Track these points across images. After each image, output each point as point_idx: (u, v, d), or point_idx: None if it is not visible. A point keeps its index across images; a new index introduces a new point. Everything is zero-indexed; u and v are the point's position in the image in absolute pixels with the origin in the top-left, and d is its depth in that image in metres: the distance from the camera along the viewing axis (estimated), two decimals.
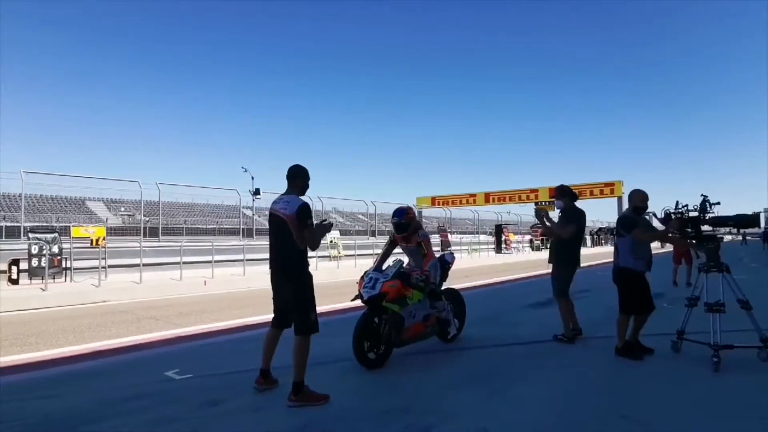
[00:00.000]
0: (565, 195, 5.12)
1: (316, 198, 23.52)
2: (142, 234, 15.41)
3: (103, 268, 11.09)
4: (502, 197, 40.97)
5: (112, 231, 20.88)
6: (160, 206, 16.62)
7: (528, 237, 37.59)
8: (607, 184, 45.47)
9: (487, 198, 40.92)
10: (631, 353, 4.41)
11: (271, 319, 3.64)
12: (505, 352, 4.88)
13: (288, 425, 3.00)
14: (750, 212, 4.33)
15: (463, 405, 3.33)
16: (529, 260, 26.05)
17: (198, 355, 5.15)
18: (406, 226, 4.69)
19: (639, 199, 4.49)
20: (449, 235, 27.62)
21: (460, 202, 43.96)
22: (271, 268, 3.53)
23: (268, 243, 3.64)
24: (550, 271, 5.31)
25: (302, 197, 3.48)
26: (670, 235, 4.50)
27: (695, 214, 4.23)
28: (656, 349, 4.56)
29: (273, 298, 3.60)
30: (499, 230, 32.72)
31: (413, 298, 4.37)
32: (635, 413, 3.11)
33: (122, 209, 34.71)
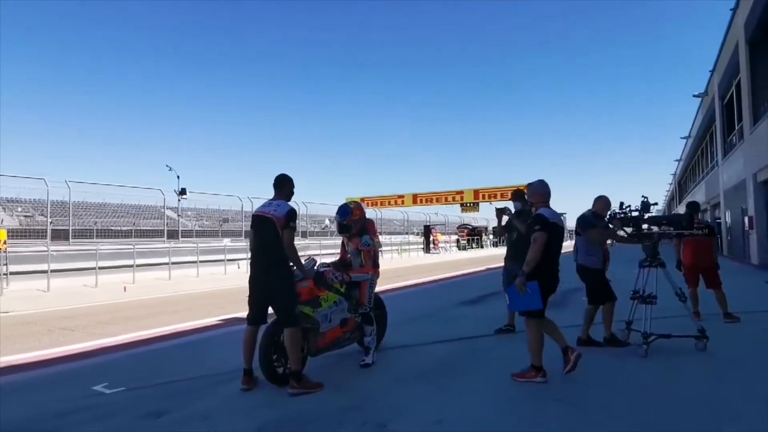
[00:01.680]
0: (521, 198, 5.57)
1: (246, 199, 22.74)
2: (48, 237, 13.95)
3: (4, 275, 9.92)
4: (429, 198, 42.26)
5: (9, 234, 18.68)
6: (70, 206, 15.13)
7: (455, 237, 39.09)
8: (518, 188, 48.70)
9: (415, 199, 41.97)
10: (593, 343, 4.77)
11: (246, 317, 3.84)
12: (447, 348, 5.08)
13: (242, 429, 2.94)
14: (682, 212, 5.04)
15: (416, 400, 3.45)
16: (457, 259, 27.07)
17: (127, 367, 4.77)
18: (348, 227, 4.49)
19: (602, 206, 4.95)
20: (380, 235, 27.89)
21: (389, 203, 44.63)
22: (254, 267, 3.85)
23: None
24: (497, 266, 5.75)
25: (289, 203, 3.84)
26: (620, 233, 4.93)
27: (636, 213, 4.70)
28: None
29: (251, 296, 3.82)
30: (427, 231, 33.69)
31: (328, 300, 4.05)
32: (570, 397, 3.42)
33: (19, 209, 31.11)
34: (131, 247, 13.78)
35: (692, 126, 32.25)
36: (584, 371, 4.02)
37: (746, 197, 15.87)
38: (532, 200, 4.08)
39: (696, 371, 4.04)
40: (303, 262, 3.91)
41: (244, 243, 19.42)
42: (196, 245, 15.95)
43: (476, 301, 8.65)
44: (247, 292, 3.86)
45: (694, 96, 26.11)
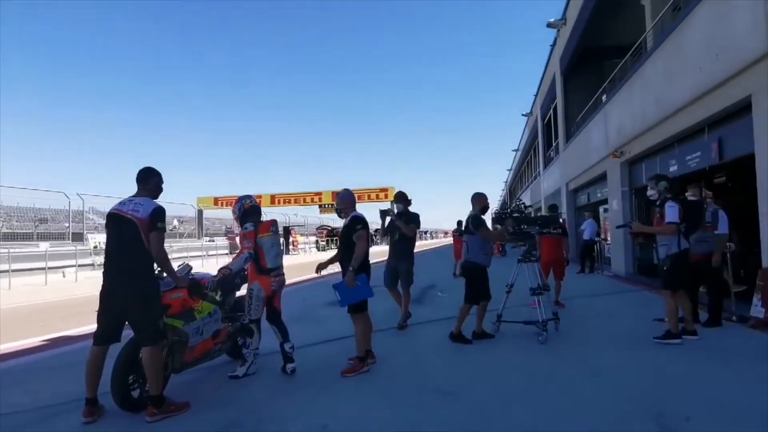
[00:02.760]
0: (403, 200, 5.85)
1: (75, 195, 19.53)
2: None
3: None
4: (287, 199, 41.66)
5: None
6: None
7: (314, 238, 39.00)
8: (381, 189, 50.98)
9: (273, 200, 40.96)
10: (463, 339, 5.03)
11: (93, 335, 3.23)
12: (321, 350, 5.03)
13: None
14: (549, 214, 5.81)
15: (298, 406, 3.35)
16: (318, 260, 26.87)
17: None
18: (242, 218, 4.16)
19: (484, 200, 5.27)
20: (237, 238, 26.47)
21: None
22: (108, 276, 3.20)
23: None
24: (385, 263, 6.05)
25: (156, 200, 3.30)
26: (510, 230, 5.35)
27: (516, 215, 5.27)
28: (432, 334, 5.44)
29: (101, 311, 3.19)
30: (287, 232, 32.97)
31: (203, 310, 3.70)
32: (445, 386, 3.67)
33: None
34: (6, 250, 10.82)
35: (521, 140, 37.49)
36: (461, 362, 4.37)
37: (561, 202, 18.97)
38: (340, 207, 4.33)
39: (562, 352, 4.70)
40: (176, 268, 3.49)
41: (72, 247, 16.66)
42: (7, 251, 13.16)
43: None
44: (93, 306, 3.27)
45: (523, 115, 30.43)
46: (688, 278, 4.88)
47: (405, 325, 5.90)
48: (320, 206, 43.82)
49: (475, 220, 5.08)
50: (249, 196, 4.34)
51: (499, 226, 5.71)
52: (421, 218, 6.00)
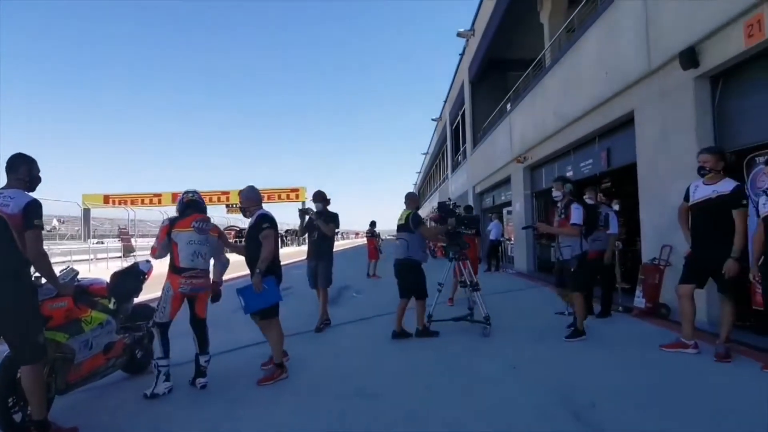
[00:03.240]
0: (323, 199, 5.77)
1: None
2: None
3: None
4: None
5: None
6: None
7: None
8: (293, 190, 49.87)
9: (175, 198, 38.20)
10: (405, 334, 5.14)
11: None
12: (233, 358, 4.71)
13: None
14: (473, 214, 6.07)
15: (212, 418, 3.09)
16: None
17: None
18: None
19: (418, 200, 5.55)
20: (132, 239, 24.25)
21: (143, 202, 39.45)
22: None
23: None
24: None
25: (31, 193, 2.79)
26: (449, 230, 5.54)
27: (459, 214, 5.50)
28: (350, 335, 5.40)
29: None
30: None
31: (92, 321, 3.28)
32: (368, 389, 3.60)
33: None
34: None
35: (430, 144, 38.88)
36: (382, 363, 4.32)
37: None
38: (245, 205, 4.07)
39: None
40: (58, 273, 3.02)
41: None
42: None
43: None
44: None
45: (432, 120, 31.57)
46: (593, 277, 5.38)
47: (322, 327, 5.76)
48: (227, 206, 41.75)
49: (416, 218, 5.18)
50: (193, 191, 4.00)
51: (436, 225, 5.94)
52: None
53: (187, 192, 4.01)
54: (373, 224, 14.34)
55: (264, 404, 3.38)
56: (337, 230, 5.88)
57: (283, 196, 49.02)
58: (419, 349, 4.82)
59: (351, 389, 3.60)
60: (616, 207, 7.81)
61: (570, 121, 8.76)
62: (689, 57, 5.21)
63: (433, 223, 6.11)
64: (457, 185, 23.83)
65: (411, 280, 5.17)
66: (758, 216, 3.70)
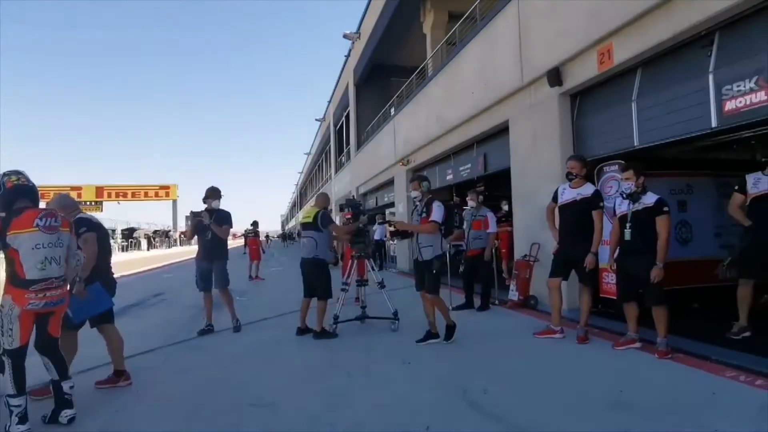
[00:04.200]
0: (219, 196, 5.45)
1: None
2: None
3: None
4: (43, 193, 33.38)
5: None
6: None
7: None
8: (162, 187, 45.50)
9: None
10: (328, 334, 5.07)
11: None
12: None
13: None
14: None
15: None
16: None
17: None
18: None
19: (328, 201, 5.58)
20: None
21: None
22: None
23: None
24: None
25: None
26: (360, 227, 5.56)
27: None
28: (238, 342, 5.09)
29: None
30: None
31: None
32: (264, 397, 3.36)
33: None
34: None
35: (312, 144, 38.54)
36: (276, 369, 4.08)
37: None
38: (62, 214, 3.32)
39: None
40: None
41: None
42: None
43: (120, 313, 7.34)
44: None
45: (316, 120, 31.33)
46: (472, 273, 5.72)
47: (238, 326, 5.63)
48: (78, 203, 36.57)
49: (326, 216, 5.16)
50: (16, 172, 2.99)
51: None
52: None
53: (7, 174, 2.95)
54: (255, 224, 13.76)
55: (146, 418, 2.97)
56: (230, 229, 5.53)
57: (151, 193, 44.48)
58: (315, 351, 4.68)
59: (246, 398, 3.33)
60: (506, 208, 8.42)
61: (451, 128, 9.33)
62: (555, 76, 5.89)
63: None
64: (341, 186, 23.96)
65: (317, 280, 5.13)
66: (614, 215, 4.29)
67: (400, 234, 5.34)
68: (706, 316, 5.19)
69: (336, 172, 26.10)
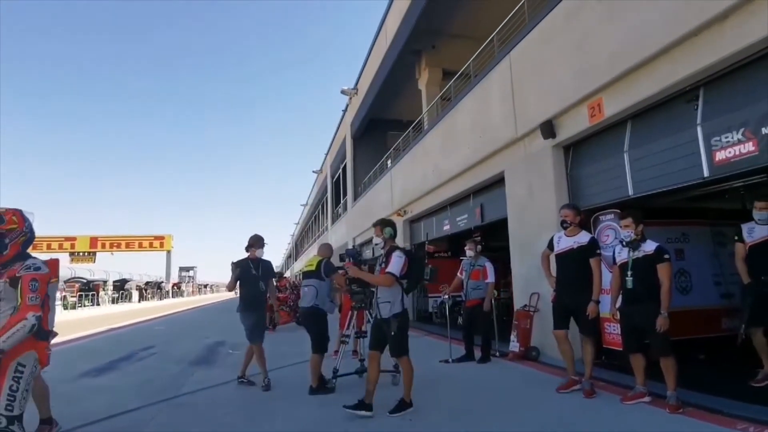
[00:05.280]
0: (261, 245, 5.40)
1: None
2: None
3: None
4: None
5: None
6: None
7: (60, 293, 31.48)
8: (156, 237, 45.38)
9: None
10: (325, 388, 4.80)
11: None
12: None
13: None
14: None
15: None
16: (68, 320, 21.79)
17: None
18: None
19: (331, 249, 5.43)
20: None
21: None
22: None
23: None
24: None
25: None
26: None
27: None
28: (227, 397, 4.85)
29: None
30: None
31: None
32: None
33: None
34: None
35: (309, 195, 38.93)
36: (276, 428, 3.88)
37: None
38: None
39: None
40: None
41: None
42: None
43: (107, 368, 7.08)
44: None
45: (313, 171, 31.86)
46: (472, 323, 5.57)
47: (267, 383, 5.16)
48: (72, 254, 36.18)
49: (329, 265, 5.08)
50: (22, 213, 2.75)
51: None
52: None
53: (15, 212, 2.71)
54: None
55: None
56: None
57: (146, 243, 44.28)
58: (309, 408, 4.46)
59: None
60: None
61: (447, 179, 9.49)
62: (548, 128, 6.08)
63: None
64: (337, 236, 23.95)
65: (314, 330, 4.94)
66: (614, 263, 4.28)
67: (357, 282, 4.72)
68: (714, 367, 5.06)
69: (333, 223, 26.19)
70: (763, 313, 4.22)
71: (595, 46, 5.20)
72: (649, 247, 3.95)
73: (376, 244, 4.32)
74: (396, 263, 3.97)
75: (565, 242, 4.65)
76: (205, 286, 71.68)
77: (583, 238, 4.57)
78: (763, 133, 3.86)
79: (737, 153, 4.06)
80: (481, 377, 5.41)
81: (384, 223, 4.24)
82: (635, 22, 4.63)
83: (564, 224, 4.66)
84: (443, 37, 12.23)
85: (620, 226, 4.12)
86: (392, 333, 3.97)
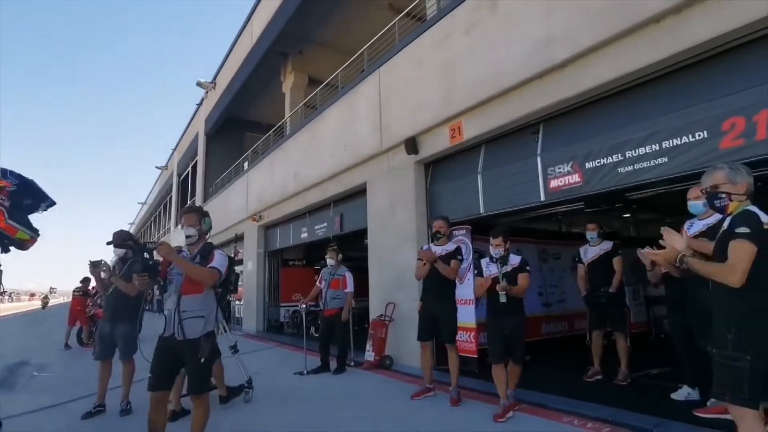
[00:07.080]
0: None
1: None
2: None
3: None
4: None
5: None
6: None
7: None
8: None
9: None
10: (235, 392, 4.73)
11: None
12: None
13: None
14: None
15: None
16: None
17: None
18: None
19: None
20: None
21: None
22: None
23: None
24: None
25: None
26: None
27: None
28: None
29: None
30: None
31: None
32: None
33: None
34: None
35: (149, 194, 34.79)
36: None
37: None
38: None
39: None
40: None
41: None
42: None
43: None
44: None
45: (157, 167, 28.59)
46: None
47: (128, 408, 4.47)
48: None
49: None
50: None
51: None
52: None
53: None
54: (87, 281, 11.08)
55: None
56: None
57: None
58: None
59: None
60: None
61: (308, 186, 9.29)
62: (412, 145, 6.36)
63: None
64: (182, 239, 21.74)
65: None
66: (481, 276, 4.35)
67: (149, 270, 3.13)
68: (549, 368, 5.79)
69: (176, 225, 23.72)
70: (601, 319, 5.21)
71: (460, 74, 5.61)
72: (515, 260, 4.27)
73: (188, 236, 3.19)
74: (219, 259, 3.08)
75: (435, 250, 4.79)
76: (3, 293, 58.69)
77: (449, 246, 4.82)
78: (587, 167, 4.57)
79: (567, 182, 4.73)
80: (337, 388, 5.30)
81: (203, 213, 3.31)
82: (493, 58, 5.12)
83: (437, 235, 4.83)
84: (311, 45, 12.10)
85: (492, 245, 4.30)
86: (201, 360, 2.91)
